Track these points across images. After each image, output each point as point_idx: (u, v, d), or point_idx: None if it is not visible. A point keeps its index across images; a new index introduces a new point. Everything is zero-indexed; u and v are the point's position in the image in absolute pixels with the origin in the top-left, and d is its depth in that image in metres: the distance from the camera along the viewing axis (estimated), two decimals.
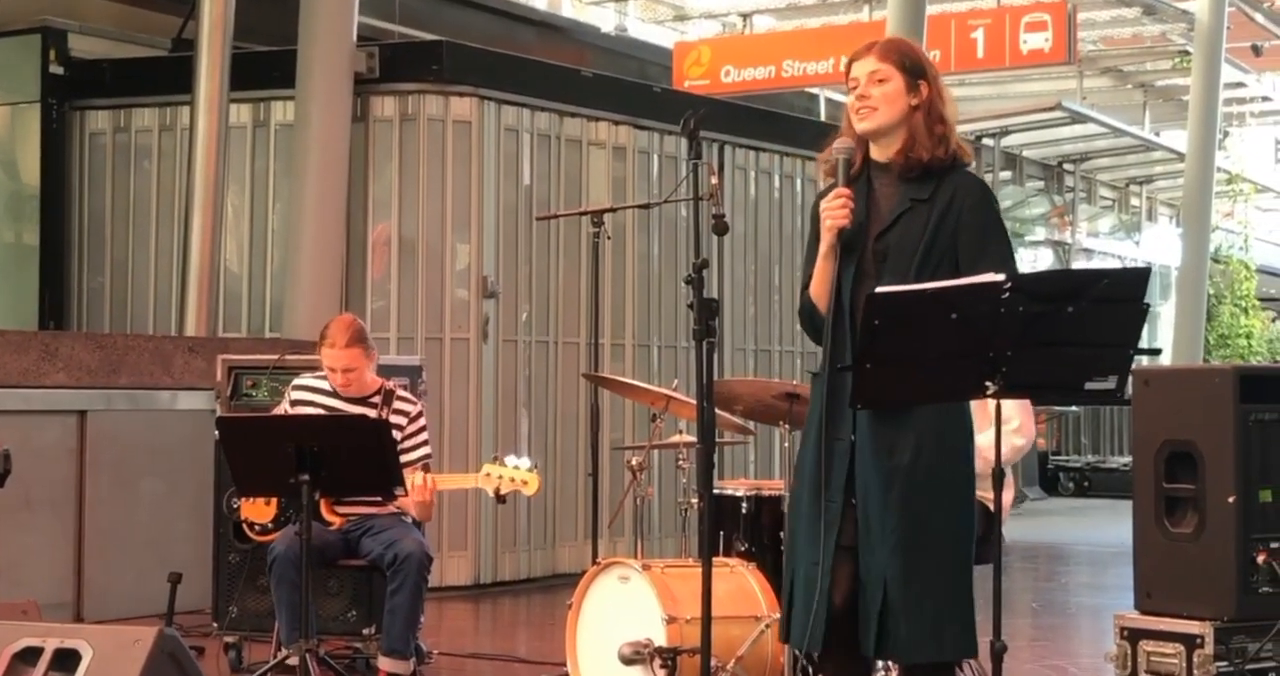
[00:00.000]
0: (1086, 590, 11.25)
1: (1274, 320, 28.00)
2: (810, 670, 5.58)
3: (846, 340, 4.30)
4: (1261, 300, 26.08)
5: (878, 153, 4.40)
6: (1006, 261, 4.28)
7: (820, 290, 4.38)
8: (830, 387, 4.31)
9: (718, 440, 6.56)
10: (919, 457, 4.23)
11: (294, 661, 5.79)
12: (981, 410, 5.95)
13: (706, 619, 4.59)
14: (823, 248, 4.35)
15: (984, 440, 5.82)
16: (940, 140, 4.33)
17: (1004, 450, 5.83)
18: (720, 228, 4.76)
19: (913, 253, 4.27)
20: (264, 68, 10.33)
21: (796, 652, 5.23)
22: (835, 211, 4.30)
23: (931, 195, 4.31)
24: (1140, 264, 22.21)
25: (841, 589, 4.25)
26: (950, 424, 4.32)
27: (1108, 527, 14.53)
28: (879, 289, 3.99)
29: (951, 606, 4.25)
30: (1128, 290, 4.08)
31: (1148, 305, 4.13)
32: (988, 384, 4.05)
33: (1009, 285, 3.93)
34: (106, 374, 8.58)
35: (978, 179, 4.43)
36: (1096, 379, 4.14)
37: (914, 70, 4.37)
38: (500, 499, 6.10)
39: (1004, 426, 5.97)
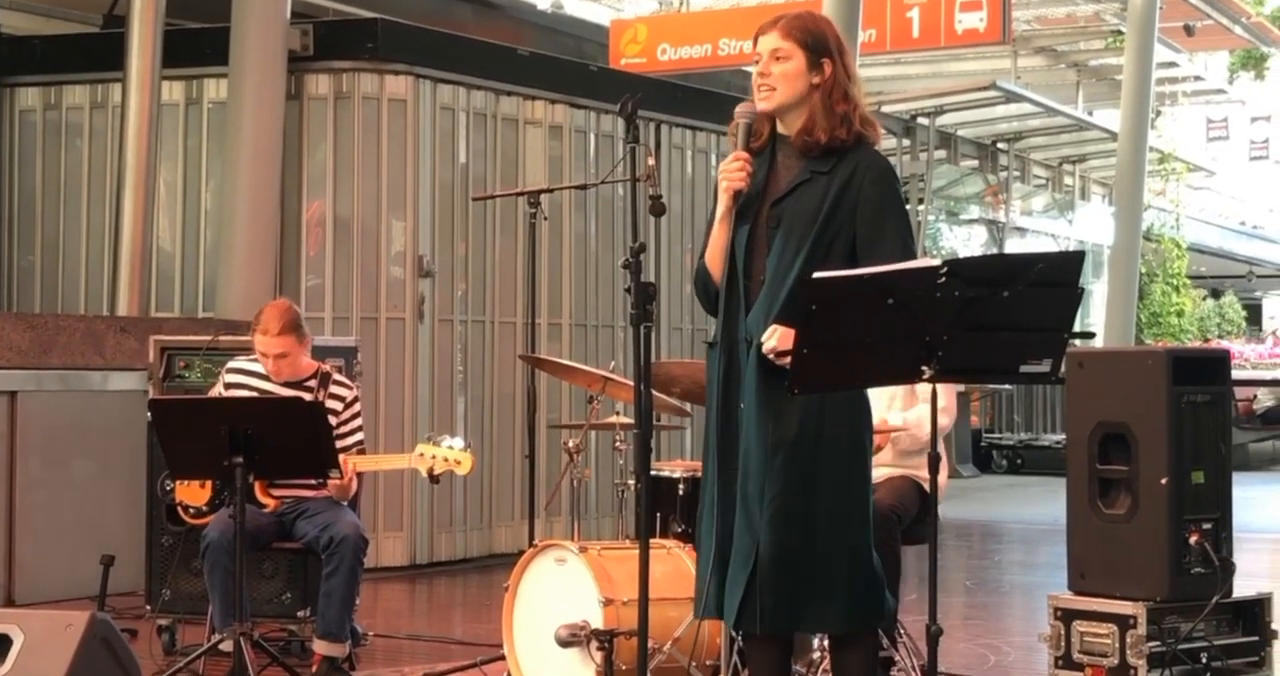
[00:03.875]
0: (1019, 568, 11.32)
1: (1205, 298, 28.27)
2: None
3: (740, 307, 4.30)
4: (1192, 278, 26.34)
5: (783, 127, 4.39)
6: (905, 240, 4.30)
7: (715, 257, 4.37)
8: (727, 356, 4.31)
9: (655, 423, 6.55)
10: (804, 429, 4.21)
11: (228, 645, 5.76)
12: (912, 389, 5.97)
13: (644, 601, 4.59)
14: (719, 210, 4.34)
15: (917, 414, 5.86)
16: (842, 119, 4.30)
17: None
18: (657, 209, 4.74)
19: (809, 223, 4.26)
20: (197, 45, 10.21)
21: (733, 634, 5.23)
22: (732, 174, 4.30)
23: (832, 168, 4.29)
24: (1073, 242, 22.49)
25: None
26: (840, 396, 4.28)
27: (1040, 505, 14.62)
28: (815, 273, 3.98)
29: (825, 582, 4.21)
30: (1062, 274, 4.12)
31: (1082, 289, 4.16)
32: (924, 368, 4.07)
33: (945, 270, 3.94)
34: (37, 354, 8.50)
35: (881, 157, 4.41)
36: (1031, 362, 4.17)
37: (817, 48, 4.34)
38: (434, 479, 6.09)
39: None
